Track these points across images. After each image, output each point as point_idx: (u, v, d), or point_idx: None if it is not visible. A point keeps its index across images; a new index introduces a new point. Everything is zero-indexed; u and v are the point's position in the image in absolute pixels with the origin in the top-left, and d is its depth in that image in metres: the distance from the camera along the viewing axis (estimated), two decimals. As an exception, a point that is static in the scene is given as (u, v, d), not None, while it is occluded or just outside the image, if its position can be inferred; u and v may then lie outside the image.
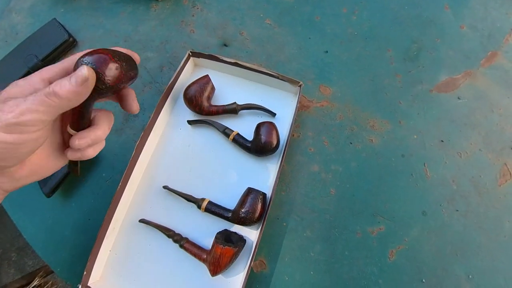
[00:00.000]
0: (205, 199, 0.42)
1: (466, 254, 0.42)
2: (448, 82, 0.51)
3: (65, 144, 0.28)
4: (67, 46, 0.53)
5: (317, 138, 0.47)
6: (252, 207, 0.39)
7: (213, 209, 0.41)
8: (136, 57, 0.27)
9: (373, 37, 0.54)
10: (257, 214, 0.39)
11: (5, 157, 0.21)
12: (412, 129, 0.48)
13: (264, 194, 0.41)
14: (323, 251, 0.42)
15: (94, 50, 0.24)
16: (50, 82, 0.24)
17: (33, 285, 0.81)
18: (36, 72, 0.24)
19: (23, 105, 0.20)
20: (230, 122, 0.47)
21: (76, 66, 0.23)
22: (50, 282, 0.84)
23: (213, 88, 0.46)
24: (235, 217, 0.40)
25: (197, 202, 0.42)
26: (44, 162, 0.26)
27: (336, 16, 0.55)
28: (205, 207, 0.41)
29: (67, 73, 0.25)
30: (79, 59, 0.23)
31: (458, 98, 0.50)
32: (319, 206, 0.44)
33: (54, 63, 0.53)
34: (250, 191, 0.41)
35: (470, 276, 0.41)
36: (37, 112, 0.21)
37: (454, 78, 0.52)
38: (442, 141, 0.48)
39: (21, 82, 0.24)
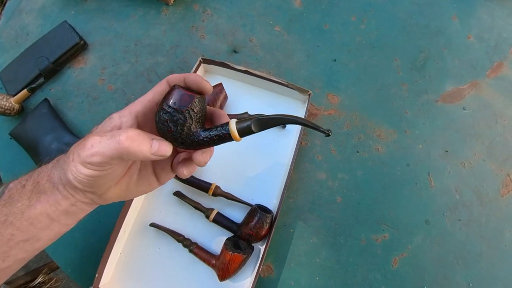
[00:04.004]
0: (213, 209, 0.42)
1: (467, 263, 0.43)
2: (454, 93, 0.52)
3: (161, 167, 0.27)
4: (78, 49, 0.53)
5: (325, 146, 0.48)
6: (257, 231, 0.40)
7: (221, 221, 0.42)
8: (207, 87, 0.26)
9: (381, 46, 0.54)
10: (262, 234, 0.40)
11: (89, 185, 0.22)
12: (417, 139, 0.49)
13: (270, 216, 0.41)
14: (328, 257, 0.43)
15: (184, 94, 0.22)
16: (138, 117, 0.24)
17: (37, 282, 0.82)
18: (128, 106, 0.25)
19: (96, 147, 0.21)
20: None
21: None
22: (55, 279, 0.85)
23: (226, 97, 0.47)
24: (240, 234, 0.41)
25: (206, 212, 0.42)
26: (133, 188, 0.26)
27: (345, 25, 0.56)
28: (213, 219, 0.42)
29: (155, 104, 0.25)
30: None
31: (463, 108, 0.51)
32: (325, 213, 0.45)
33: (65, 65, 0.55)
34: (256, 211, 0.40)
35: (470, 284, 0.43)
36: (104, 156, 0.21)
37: (460, 89, 0.52)
38: (446, 151, 0.48)
39: (115, 115, 0.24)
